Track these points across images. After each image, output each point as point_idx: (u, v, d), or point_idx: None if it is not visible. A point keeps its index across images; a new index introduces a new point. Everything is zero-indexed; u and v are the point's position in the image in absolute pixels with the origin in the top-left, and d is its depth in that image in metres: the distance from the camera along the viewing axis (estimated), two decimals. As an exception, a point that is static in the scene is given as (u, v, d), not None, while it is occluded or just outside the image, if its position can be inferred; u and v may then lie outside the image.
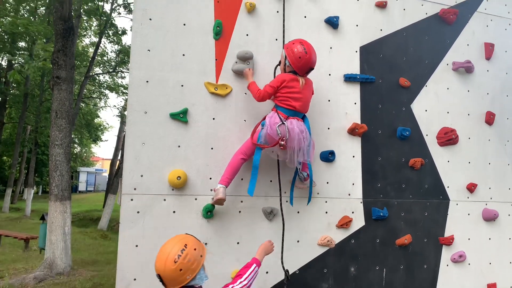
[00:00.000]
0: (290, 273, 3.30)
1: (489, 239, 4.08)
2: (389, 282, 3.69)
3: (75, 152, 29.30)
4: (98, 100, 23.77)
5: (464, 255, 3.92)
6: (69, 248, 8.65)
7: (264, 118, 3.20)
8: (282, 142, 2.98)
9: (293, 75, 3.15)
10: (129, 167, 3.07)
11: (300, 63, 3.11)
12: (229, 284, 2.39)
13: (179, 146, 3.20)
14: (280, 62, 3.32)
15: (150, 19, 3.23)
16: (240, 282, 2.42)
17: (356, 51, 3.82)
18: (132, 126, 3.12)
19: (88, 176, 39.05)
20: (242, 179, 3.34)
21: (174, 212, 3.15)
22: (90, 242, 13.65)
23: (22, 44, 17.70)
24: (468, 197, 4.06)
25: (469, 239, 4.00)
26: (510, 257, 4.13)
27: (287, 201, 3.44)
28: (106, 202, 16.33)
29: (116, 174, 15.47)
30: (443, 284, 3.86)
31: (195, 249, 2.23)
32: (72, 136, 19.80)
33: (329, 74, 3.71)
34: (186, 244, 2.21)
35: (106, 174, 40.63)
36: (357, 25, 3.85)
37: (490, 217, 4.04)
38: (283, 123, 3.03)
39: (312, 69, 3.21)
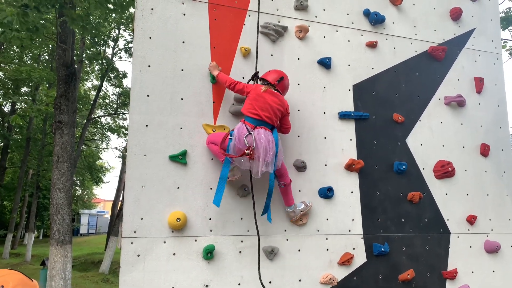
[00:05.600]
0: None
1: (493, 271, 4.03)
2: (395, 320, 3.63)
3: (76, 194, 29.21)
4: (100, 142, 23.99)
5: (469, 289, 3.87)
6: (69, 294, 8.48)
7: (233, 129, 3.24)
8: (248, 151, 3.01)
9: (260, 85, 3.30)
10: (129, 210, 3.11)
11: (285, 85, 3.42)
12: None
13: (178, 188, 3.25)
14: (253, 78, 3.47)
15: (149, 65, 3.36)
16: None
17: (349, 90, 3.94)
18: (132, 170, 3.18)
19: (89, 218, 38.72)
20: (242, 218, 3.36)
21: (174, 254, 3.15)
22: (91, 287, 13.37)
23: (25, 89, 18.10)
24: (468, 229, 4.05)
25: (472, 272, 3.96)
26: (516, 290, 4.08)
27: (288, 240, 3.45)
28: (107, 244, 16.14)
29: (118, 215, 15.38)
30: (450, 320, 3.79)
31: None
32: (74, 178, 19.85)
33: (324, 112, 3.81)
34: (2, 286, 1.68)
35: (107, 215, 40.27)
36: (349, 65, 3.99)
37: (492, 249, 4.01)
38: (250, 133, 3.09)
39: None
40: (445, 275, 3.86)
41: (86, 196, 34.40)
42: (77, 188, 27.12)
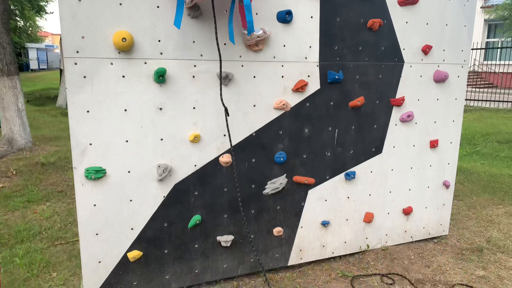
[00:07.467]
0: (249, 135, 3.42)
1: (437, 99, 4.26)
2: (341, 142, 3.90)
3: (18, 26, 26.82)
4: (36, -36, 20.97)
5: (412, 115, 4.12)
6: (26, 125, 8.49)
7: None
8: None
9: None
10: (67, 27, 2.80)
11: None
12: None
13: (120, 4, 2.90)
14: None
15: None
16: None
17: None
18: (65, -20, 2.75)
19: (38, 53, 36.68)
20: (194, 41, 3.16)
21: (123, 76, 3.00)
22: (50, 120, 13.44)
23: None
24: (422, 59, 4.10)
25: (418, 100, 4.16)
26: (454, 116, 4.39)
27: (243, 66, 3.36)
28: (61, 78, 15.68)
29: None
30: (390, 142, 4.12)
31: None
32: (12, 7, 17.90)
33: None
34: None
35: (58, 50, 38.27)
36: None
37: (440, 79, 4.15)
38: None
39: None
40: (392, 102, 4.04)
41: (30, 29, 31.72)
42: (18, 18, 24.74)
